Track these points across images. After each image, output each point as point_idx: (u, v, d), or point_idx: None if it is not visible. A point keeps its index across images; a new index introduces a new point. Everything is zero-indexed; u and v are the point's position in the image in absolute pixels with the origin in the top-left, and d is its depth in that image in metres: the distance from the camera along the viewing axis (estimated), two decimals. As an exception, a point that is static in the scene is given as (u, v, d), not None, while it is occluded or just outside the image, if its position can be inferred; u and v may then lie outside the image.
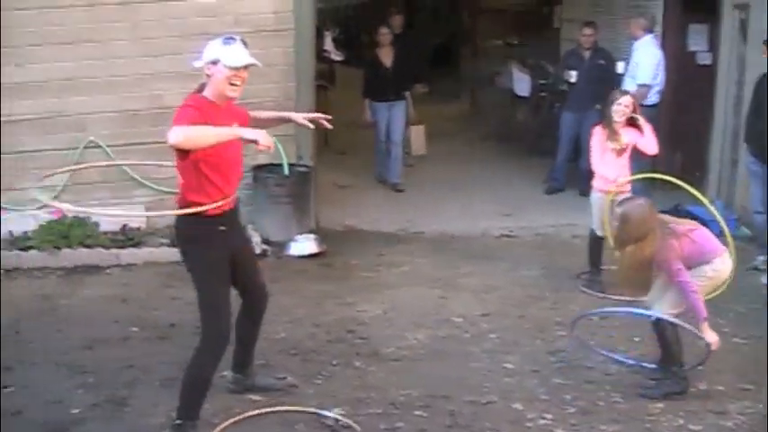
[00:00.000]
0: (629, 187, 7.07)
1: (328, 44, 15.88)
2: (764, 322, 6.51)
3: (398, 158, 10.77)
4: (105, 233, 7.94)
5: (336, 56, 16.04)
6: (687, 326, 5.32)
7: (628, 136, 7.07)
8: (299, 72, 8.43)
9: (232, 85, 4.54)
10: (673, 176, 6.65)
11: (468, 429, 5.02)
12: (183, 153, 4.39)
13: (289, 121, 5.34)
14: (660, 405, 5.26)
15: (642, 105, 9.35)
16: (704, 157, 9.81)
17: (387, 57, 10.63)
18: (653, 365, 5.64)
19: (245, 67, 4.55)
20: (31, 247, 7.69)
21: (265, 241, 8.07)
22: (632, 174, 7.19)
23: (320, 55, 13.40)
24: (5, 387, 5.37)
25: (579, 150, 10.24)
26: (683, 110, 10.19)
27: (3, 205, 8.03)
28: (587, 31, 10.42)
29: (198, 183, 4.57)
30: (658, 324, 5.43)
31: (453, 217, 9.47)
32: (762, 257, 7.82)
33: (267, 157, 8.28)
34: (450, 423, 5.07)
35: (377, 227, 9.06)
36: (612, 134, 7.04)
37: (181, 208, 4.68)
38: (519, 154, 12.47)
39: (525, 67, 13.92)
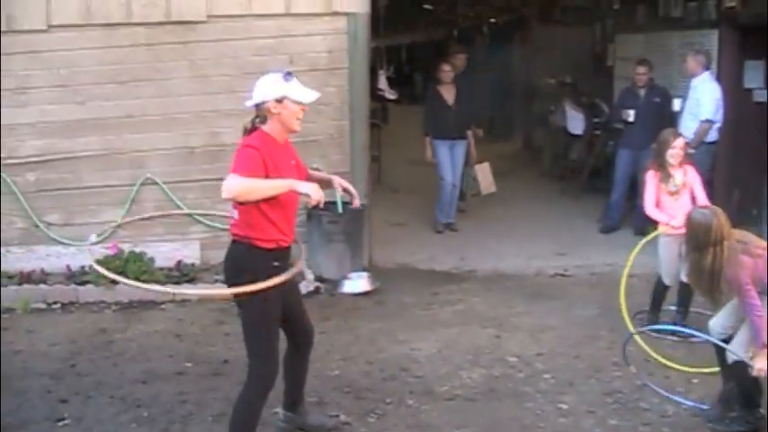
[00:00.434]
0: None
1: (382, 83, 15.97)
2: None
3: (454, 199, 10.60)
4: (161, 269, 8.03)
5: (390, 94, 16.12)
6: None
7: (683, 176, 6.99)
8: (353, 110, 8.50)
9: (298, 119, 4.62)
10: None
11: (523, 470, 4.97)
12: None
13: (330, 183, 5.14)
14: (719, 448, 5.16)
15: (704, 143, 9.34)
16: (761, 195, 9.66)
17: (449, 94, 10.47)
18: (707, 406, 5.53)
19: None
20: (87, 282, 7.80)
21: (319, 278, 8.10)
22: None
23: (374, 93, 13.46)
24: (61, 420, 5.43)
25: (635, 189, 10.17)
26: (741, 147, 10.08)
27: (63, 240, 8.17)
28: (641, 69, 10.38)
29: (257, 220, 4.56)
30: (736, 366, 5.27)
31: (507, 255, 9.44)
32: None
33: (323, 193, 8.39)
34: (504, 463, 5.03)
35: (430, 265, 9.04)
36: (666, 177, 6.97)
37: (234, 239, 4.66)
38: (573, 192, 12.41)
39: (579, 105, 13.89)
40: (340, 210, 8.18)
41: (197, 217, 8.30)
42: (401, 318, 7.45)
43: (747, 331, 5.21)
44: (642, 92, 10.37)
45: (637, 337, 6.55)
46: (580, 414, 5.61)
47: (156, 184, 8.30)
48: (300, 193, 4.46)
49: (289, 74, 4.65)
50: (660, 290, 7.14)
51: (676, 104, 10.15)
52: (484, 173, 11.33)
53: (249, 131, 4.64)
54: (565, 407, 5.72)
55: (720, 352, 5.40)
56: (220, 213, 5.66)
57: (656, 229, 7.10)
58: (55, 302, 7.69)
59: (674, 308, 7.22)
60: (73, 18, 8.05)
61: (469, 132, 10.61)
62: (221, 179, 8.23)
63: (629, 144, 10.33)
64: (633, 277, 7.90)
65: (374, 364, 6.41)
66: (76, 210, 8.26)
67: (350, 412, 5.58)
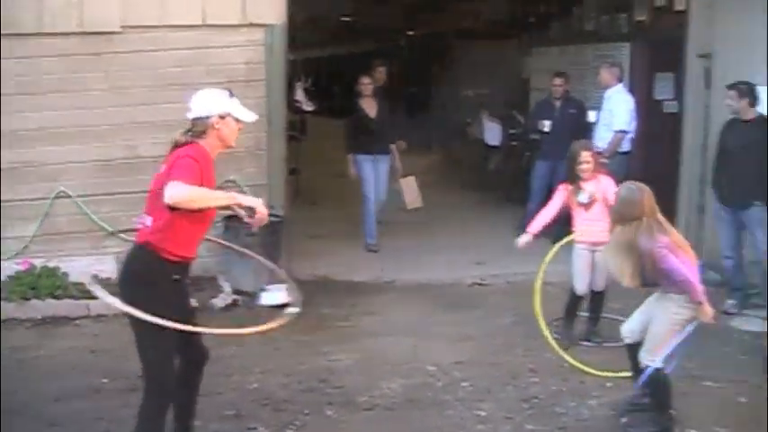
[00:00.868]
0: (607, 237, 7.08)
1: (299, 95, 15.90)
2: (735, 367, 6.60)
3: (372, 213, 10.28)
4: (75, 284, 7.88)
5: (307, 106, 16.06)
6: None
7: (595, 187, 7.02)
8: (271, 122, 8.48)
9: (235, 137, 4.67)
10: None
11: (441, 477, 5.00)
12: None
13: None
14: (633, 450, 5.27)
15: (618, 153, 9.55)
16: (672, 204, 9.90)
17: (370, 108, 10.29)
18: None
19: None
20: (-2, 299, 7.63)
21: (236, 291, 8.05)
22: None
23: (291, 105, 13.43)
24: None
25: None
26: (652, 157, 10.33)
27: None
28: (558, 80, 10.56)
29: (174, 232, 4.49)
30: (652, 374, 5.39)
31: (426, 266, 9.50)
32: (731, 301, 7.90)
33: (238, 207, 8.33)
34: (423, 471, 5.05)
35: (349, 276, 9.05)
36: (577, 189, 7.03)
37: (143, 246, 4.56)
38: (491, 203, 12.56)
39: (496, 116, 14.08)
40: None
41: (112, 231, 8.16)
42: (320, 330, 7.44)
43: (654, 336, 5.36)
44: (558, 103, 10.55)
45: (552, 343, 6.68)
46: (498, 420, 5.68)
47: (70, 197, 8.14)
48: (244, 207, 4.52)
49: (230, 92, 4.70)
50: (573, 299, 7.23)
51: (591, 116, 10.35)
52: (409, 187, 11.05)
53: (181, 145, 4.57)
54: (483, 414, 5.78)
55: (633, 356, 5.53)
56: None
57: (569, 234, 7.21)
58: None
59: (586, 314, 7.34)
60: (-19, 28, 7.89)
61: (393, 146, 10.44)
62: (138, 192, 8.14)
63: (546, 155, 10.49)
64: (549, 285, 8.00)
65: (293, 376, 6.39)
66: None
67: (268, 425, 5.56)
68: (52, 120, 8.09)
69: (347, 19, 23.32)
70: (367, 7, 19.45)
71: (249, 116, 4.69)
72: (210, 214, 4.62)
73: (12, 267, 7.76)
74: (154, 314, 4.41)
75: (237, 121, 4.64)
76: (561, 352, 6.70)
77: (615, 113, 9.66)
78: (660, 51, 10.76)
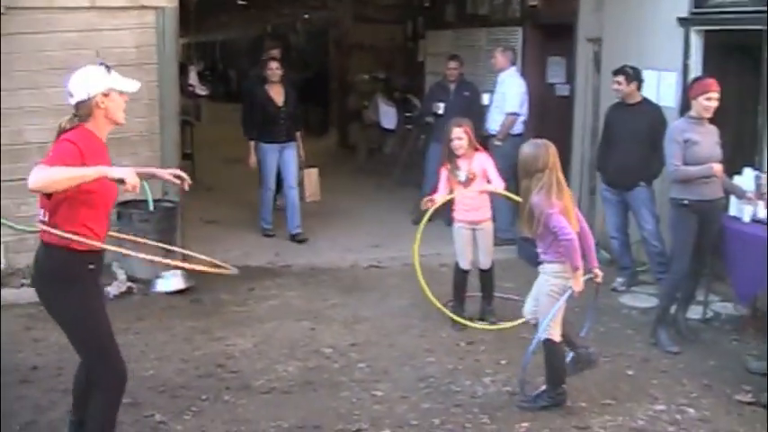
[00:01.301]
0: (488, 214, 7.20)
1: (193, 78, 15.76)
2: (623, 342, 6.83)
3: (296, 205, 10.02)
4: (-39, 275, 7.67)
5: (201, 90, 15.95)
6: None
7: (473, 164, 7.08)
8: (163, 106, 8.37)
9: (123, 111, 4.48)
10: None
11: (339, 458, 5.04)
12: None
13: (154, 176, 5.03)
14: (526, 424, 5.39)
15: (510, 135, 9.71)
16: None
17: (278, 95, 9.91)
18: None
19: None
20: None
21: (131, 278, 7.93)
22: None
23: (185, 89, 13.27)
24: None
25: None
26: (545, 139, 10.48)
27: None
28: (452, 64, 10.65)
29: (72, 215, 4.30)
30: (544, 344, 5.55)
31: (322, 249, 9.53)
32: (620, 279, 8.14)
33: (131, 193, 8.20)
34: (321, 452, 5.08)
35: (245, 261, 8.98)
36: (455, 168, 7.11)
37: (48, 245, 4.37)
38: (387, 186, 12.64)
39: (391, 100, 14.16)
40: (151, 207, 8.12)
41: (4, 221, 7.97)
42: (217, 315, 7.40)
43: (541, 311, 5.55)
44: (452, 86, 10.63)
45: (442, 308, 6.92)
46: (394, 400, 5.74)
47: (-45, 185, 7.90)
48: (113, 179, 4.22)
49: (105, 65, 4.47)
50: (459, 274, 7.30)
51: (485, 99, 10.49)
52: (310, 179, 10.74)
53: (66, 131, 4.37)
54: (380, 394, 5.84)
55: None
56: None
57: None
58: None
59: (479, 294, 7.46)
60: None
61: (298, 134, 10.19)
62: (25, 179, 7.92)
63: (439, 137, 10.46)
64: (444, 266, 8.16)
65: (189, 362, 6.35)
66: None
67: (165, 411, 5.51)
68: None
69: (243, 2, 23.11)
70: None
71: (132, 85, 4.48)
72: (105, 193, 4.37)
73: None
74: (86, 308, 4.37)
75: (121, 93, 4.44)
76: (439, 305, 7.02)
77: (507, 96, 9.82)
78: (552, 36, 10.97)
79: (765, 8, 7.10)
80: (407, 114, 13.46)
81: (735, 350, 6.69)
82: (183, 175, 4.88)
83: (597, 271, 5.56)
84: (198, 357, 6.43)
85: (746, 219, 6.78)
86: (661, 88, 8.21)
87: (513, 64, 10.15)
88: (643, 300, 7.80)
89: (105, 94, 4.38)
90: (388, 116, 13.90)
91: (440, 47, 13.38)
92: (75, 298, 4.37)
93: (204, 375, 6.11)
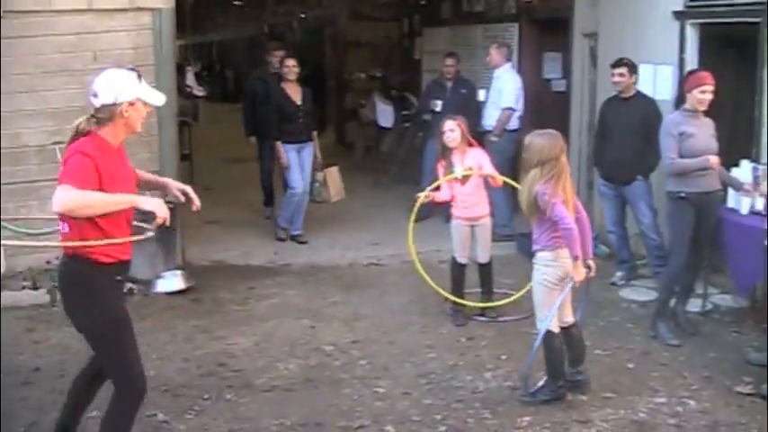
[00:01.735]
0: (486, 210, 7.22)
1: (190, 79, 15.78)
2: (623, 335, 6.84)
3: (303, 205, 9.82)
4: (-38, 278, 7.68)
5: (198, 91, 15.97)
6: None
7: (468, 159, 7.09)
8: (161, 108, 8.27)
9: (142, 121, 4.38)
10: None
11: (341, 454, 5.06)
12: None
13: (164, 187, 4.90)
14: (527, 418, 5.40)
15: (506, 131, 9.74)
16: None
17: (295, 93, 9.74)
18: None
19: None
20: None
21: (131, 279, 7.94)
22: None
23: (182, 90, 13.29)
24: None
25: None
26: (541, 135, 10.51)
27: None
28: (449, 61, 10.67)
29: (90, 233, 4.17)
30: (544, 336, 5.57)
31: (322, 248, 9.55)
32: (619, 273, 8.16)
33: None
34: (323, 449, 5.11)
35: (245, 261, 9.04)
36: (450, 165, 7.12)
37: (73, 258, 4.26)
38: (385, 184, 12.66)
39: (388, 98, 14.17)
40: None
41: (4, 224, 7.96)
42: (217, 314, 7.42)
43: (536, 303, 5.60)
44: (449, 83, 10.66)
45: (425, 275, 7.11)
46: (396, 397, 5.76)
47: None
48: (144, 211, 4.15)
49: (138, 73, 4.35)
50: (456, 268, 7.30)
51: (481, 95, 10.52)
52: (333, 178, 10.38)
53: (84, 134, 4.25)
54: (381, 390, 5.86)
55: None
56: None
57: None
58: None
59: (479, 290, 7.49)
60: None
61: (314, 133, 9.99)
62: (25, 182, 7.97)
63: (437, 135, 10.59)
64: (443, 263, 8.16)
65: (191, 361, 6.37)
66: None
67: (168, 411, 5.53)
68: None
69: (238, 2, 23.13)
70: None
71: (159, 99, 4.38)
72: (124, 211, 4.26)
73: None
74: (111, 320, 4.28)
75: (145, 104, 4.32)
76: (442, 291, 7.13)
77: (503, 92, 9.86)
78: (548, 31, 10.98)
79: (760, 0, 7.12)
80: (404, 112, 13.47)
81: (734, 342, 6.70)
82: (192, 194, 4.78)
83: (591, 263, 5.57)
84: (199, 356, 6.46)
85: (744, 210, 6.79)
86: (657, 82, 8.22)
87: (509, 60, 10.18)
88: (642, 293, 7.82)
89: (131, 103, 4.24)
90: (385, 114, 13.91)
91: (436, 44, 13.40)
92: (100, 310, 4.27)
93: (206, 374, 6.13)
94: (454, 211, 7.26)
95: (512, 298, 7.17)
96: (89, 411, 5.34)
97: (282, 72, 9.83)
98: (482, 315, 7.25)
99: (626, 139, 7.82)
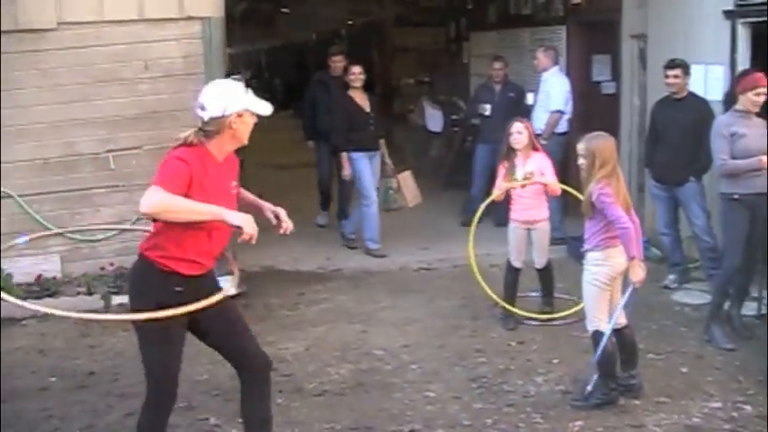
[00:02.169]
0: (545, 214, 7.21)
1: (240, 87, 15.90)
2: (676, 339, 6.77)
3: (375, 216, 9.50)
4: (20, 284, 7.81)
5: (248, 98, 16.09)
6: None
7: (531, 163, 7.09)
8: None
9: (249, 133, 4.28)
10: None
11: (392, 458, 5.07)
12: None
13: (260, 209, 4.71)
14: (579, 422, 5.37)
15: (555, 134, 9.70)
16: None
17: (363, 101, 9.54)
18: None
19: None
20: (-58, 302, 7.51)
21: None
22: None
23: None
24: None
25: (494, 182, 10.45)
26: (591, 138, 10.43)
27: None
28: (497, 65, 10.66)
29: (168, 240, 4.12)
30: (593, 335, 5.57)
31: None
32: (672, 276, 8.07)
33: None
34: (374, 453, 5.12)
35: (295, 266, 9.08)
36: (512, 168, 7.11)
37: (140, 256, 4.27)
38: (434, 188, 12.62)
39: (437, 103, 14.16)
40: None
41: (57, 230, 8.09)
42: (268, 319, 7.47)
43: (586, 303, 5.60)
44: (497, 87, 10.65)
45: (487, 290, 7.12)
46: (446, 401, 5.76)
47: (11, 197, 8.04)
48: (231, 225, 4.06)
49: (246, 84, 4.30)
50: (510, 273, 7.30)
51: (530, 98, 10.48)
52: (407, 182, 10.01)
53: (190, 146, 4.16)
54: (432, 395, 5.86)
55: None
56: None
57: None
58: None
59: (534, 294, 7.46)
60: None
61: (382, 141, 9.78)
62: (78, 190, 8.09)
63: (486, 139, 10.59)
64: (494, 267, 8.15)
65: (242, 365, 6.41)
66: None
67: (219, 415, 5.58)
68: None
69: (286, 10, 23.26)
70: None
71: (267, 109, 4.23)
72: (209, 225, 4.13)
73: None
74: (155, 325, 4.14)
75: (253, 115, 4.21)
76: (495, 297, 7.11)
77: (551, 95, 9.83)
78: (596, 33, 10.91)
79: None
80: (453, 117, 13.45)
81: (791, 345, 6.60)
82: (283, 216, 4.62)
83: (642, 265, 5.51)
84: (251, 361, 6.49)
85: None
86: (708, 82, 8.13)
87: (556, 63, 10.14)
88: (696, 296, 7.72)
89: (240, 114, 4.15)
90: (434, 119, 13.90)
91: (483, 48, 13.38)
92: (141, 310, 4.20)
93: (257, 380, 6.16)
94: (512, 214, 7.25)
95: (565, 312, 7.10)
96: (127, 409, 5.46)
97: (348, 79, 9.64)
98: (532, 319, 7.21)
99: (678, 141, 7.74)
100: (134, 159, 8.26)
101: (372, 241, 9.49)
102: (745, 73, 6.88)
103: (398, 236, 10.18)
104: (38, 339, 7.08)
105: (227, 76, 10.33)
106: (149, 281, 4.20)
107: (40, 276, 7.96)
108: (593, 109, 10.69)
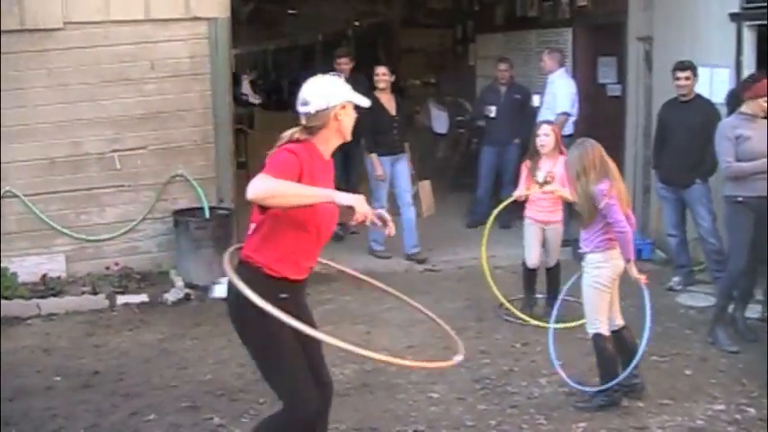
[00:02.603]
0: (559, 216, 7.24)
1: (245, 88, 15.94)
2: (681, 341, 6.78)
3: (413, 221, 9.32)
4: (25, 284, 7.83)
5: (254, 99, 16.11)
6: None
7: (556, 166, 7.07)
8: (217, 115, 8.48)
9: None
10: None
11: (396, 459, 5.07)
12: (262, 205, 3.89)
13: (351, 208, 4.13)
14: (583, 424, 5.38)
15: (561, 136, 9.68)
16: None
17: (389, 103, 9.33)
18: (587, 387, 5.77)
19: None
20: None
21: (189, 285, 8.04)
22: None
23: (238, 99, 13.41)
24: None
25: (500, 183, 10.47)
26: (598, 140, 10.33)
27: None
28: (502, 66, 10.67)
29: (271, 240, 4.00)
30: (593, 338, 5.59)
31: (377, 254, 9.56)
32: (676, 278, 8.06)
33: (188, 200, 8.34)
34: (378, 454, 5.12)
35: (301, 267, 9.06)
36: (535, 168, 7.16)
37: (242, 262, 4.09)
38: (440, 190, 12.58)
39: (443, 104, 14.16)
40: (207, 215, 8.23)
41: (62, 229, 8.11)
42: (273, 319, 7.46)
43: (586, 305, 5.62)
44: (503, 89, 10.64)
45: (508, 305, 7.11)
46: (450, 402, 5.77)
47: (16, 197, 8.05)
48: (342, 206, 3.91)
49: (344, 78, 4.23)
50: (526, 273, 7.41)
51: (536, 100, 10.48)
52: (425, 192, 9.95)
53: (296, 143, 4.07)
54: (436, 396, 5.87)
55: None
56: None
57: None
58: None
59: (540, 296, 7.46)
60: None
61: (407, 145, 9.58)
62: (85, 189, 8.13)
63: (492, 140, 10.61)
64: (498, 269, 8.15)
65: (246, 366, 6.38)
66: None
67: (224, 415, 5.60)
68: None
69: (293, 11, 23.27)
70: (312, -1, 19.50)
71: (366, 101, 4.14)
72: (316, 221, 4.02)
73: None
74: (271, 338, 4.02)
75: (355, 107, 4.12)
76: (503, 300, 7.16)
77: (558, 97, 9.83)
78: (602, 35, 10.91)
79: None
80: (459, 118, 13.45)
81: (795, 348, 6.59)
82: (387, 218, 4.17)
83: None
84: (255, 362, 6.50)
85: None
86: (714, 85, 8.12)
87: (562, 65, 10.14)
88: (700, 299, 7.72)
89: (343, 106, 4.07)
90: (439, 120, 13.89)
91: (490, 50, 13.37)
92: (260, 326, 3.98)
93: (261, 379, 6.01)
94: (528, 213, 7.29)
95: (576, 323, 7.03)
96: (147, 415, 5.48)
97: (375, 82, 9.40)
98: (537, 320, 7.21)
99: (686, 142, 7.73)
100: (139, 159, 8.30)
101: (377, 242, 9.45)
102: (755, 78, 6.77)
103: (404, 237, 10.16)
104: (43, 339, 7.09)
105: (234, 76, 10.41)
106: (254, 287, 3.85)
107: (44, 276, 7.98)
108: (599, 111, 10.70)
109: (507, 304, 7.18)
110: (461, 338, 6.82)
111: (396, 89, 9.73)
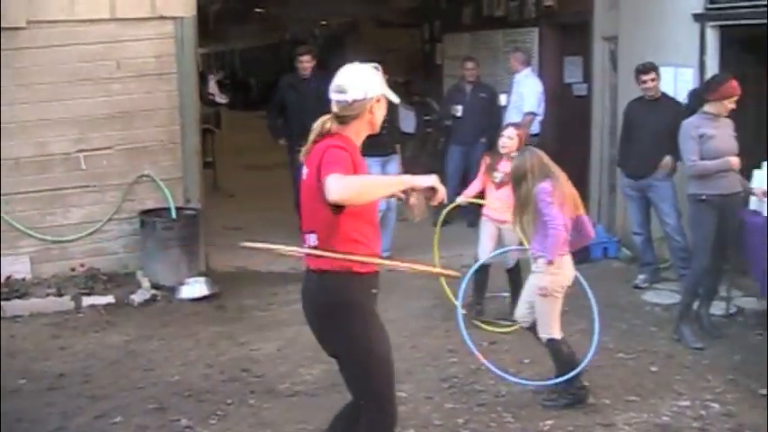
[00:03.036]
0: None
1: (212, 87, 15.88)
2: (647, 338, 6.83)
3: (392, 226, 9.30)
4: (-12, 285, 7.76)
5: (221, 99, 16.05)
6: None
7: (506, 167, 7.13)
8: (184, 115, 8.44)
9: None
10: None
11: (364, 459, 5.05)
12: (337, 206, 3.72)
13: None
14: (550, 422, 5.40)
15: (528, 135, 9.73)
16: (584, 184, 10.11)
17: None
18: (545, 382, 5.80)
19: None
20: None
21: (155, 286, 7.99)
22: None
23: (205, 98, 13.35)
24: None
25: (466, 183, 10.48)
26: (563, 139, 10.52)
27: None
28: (469, 65, 10.68)
29: (351, 233, 3.86)
30: (548, 343, 5.63)
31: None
32: (642, 276, 8.13)
33: (154, 201, 8.30)
34: (346, 454, 5.10)
35: (268, 267, 9.04)
36: (493, 166, 7.15)
37: (326, 273, 3.93)
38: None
39: (410, 104, 14.17)
40: (174, 215, 8.20)
41: (26, 231, 8.04)
42: (241, 320, 7.46)
43: (537, 311, 5.66)
44: (469, 88, 10.66)
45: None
46: (418, 401, 5.77)
47: (-20, 197, 7.97)
48: (424, 187, 3.89)
49: (380, 70, 4.07)
50: (478, 271, 7.19)
51: (502, 99, 10.53)
52: (418, 196, 9.83)
53: (328, 135, 3.94)
54: (404, 395, 5.83)
55: (536, 337, 5.74)
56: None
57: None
58: None
59: (506, 294, 7.48)
60: None
61: (398, 146, 9.55)
62: (50, 190, 8.05)
63: (459, 140, 10.63)
64: (466, 268, 8.11)
65: (214, 366, 6.40)
66: None
67: (191, 416, 5.56)
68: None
69: (260, 10, 23.21)
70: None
71: (396, 97, 4.08)
72: (374, 207, 4.00)
73: None
74: (369, 339, 3.95)
75: (387, 102, 4.03)
76: (456, 304, 6.85)
77: (524, 96, 9.89)
78: (568, 35, 10.98)
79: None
80: (426, 117, 13.48)
81: (759, 345, 6.65)
82: (438, 185, 4.03)
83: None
84: (222, 362, 6.49)
85: (767, 212, 6.76)
86: (678, 84, 8.19)
87: (528, 65, 10.20)
88: (666, 296, 7.79)
89: (378, 99, 3.97)
90: (407, 120, 13.87)
91: (457, 49, 13.42)
92: (359, 328, 3.94)
93: (229, 380, 6.17)
94: (484, 210, 7.30)
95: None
96: (114, 417, 5.45)
97: None
98: (504, 319, 7.23)
99: (652, 140, 7.78)
100: (105, 159, 8.24)
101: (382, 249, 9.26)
102: (720, 80, 6.75)
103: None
104: (7, 341, 7.01)
105: (201, 75, 10.36)
106: (350, 291, 3.83)
107: (9, 277, 7.90)
108: (565, 110, 10.77)
109: (462, 310, 7.12)
110: (429, 337, 6.93)
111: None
